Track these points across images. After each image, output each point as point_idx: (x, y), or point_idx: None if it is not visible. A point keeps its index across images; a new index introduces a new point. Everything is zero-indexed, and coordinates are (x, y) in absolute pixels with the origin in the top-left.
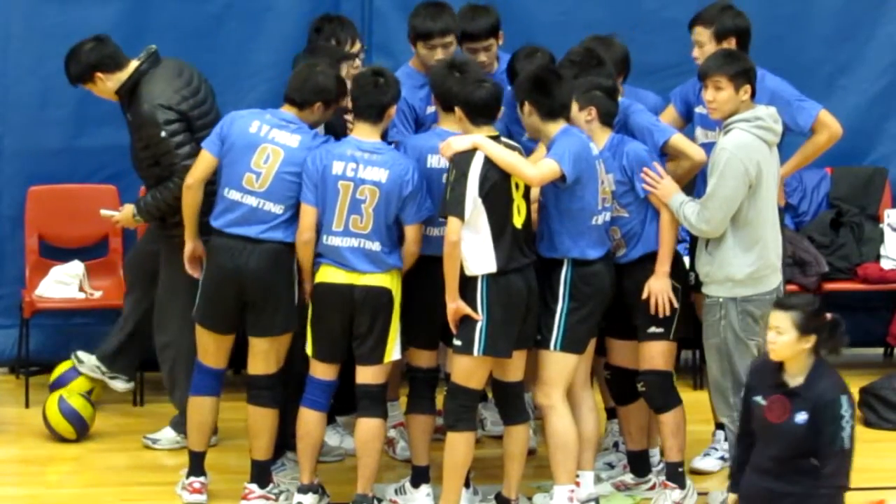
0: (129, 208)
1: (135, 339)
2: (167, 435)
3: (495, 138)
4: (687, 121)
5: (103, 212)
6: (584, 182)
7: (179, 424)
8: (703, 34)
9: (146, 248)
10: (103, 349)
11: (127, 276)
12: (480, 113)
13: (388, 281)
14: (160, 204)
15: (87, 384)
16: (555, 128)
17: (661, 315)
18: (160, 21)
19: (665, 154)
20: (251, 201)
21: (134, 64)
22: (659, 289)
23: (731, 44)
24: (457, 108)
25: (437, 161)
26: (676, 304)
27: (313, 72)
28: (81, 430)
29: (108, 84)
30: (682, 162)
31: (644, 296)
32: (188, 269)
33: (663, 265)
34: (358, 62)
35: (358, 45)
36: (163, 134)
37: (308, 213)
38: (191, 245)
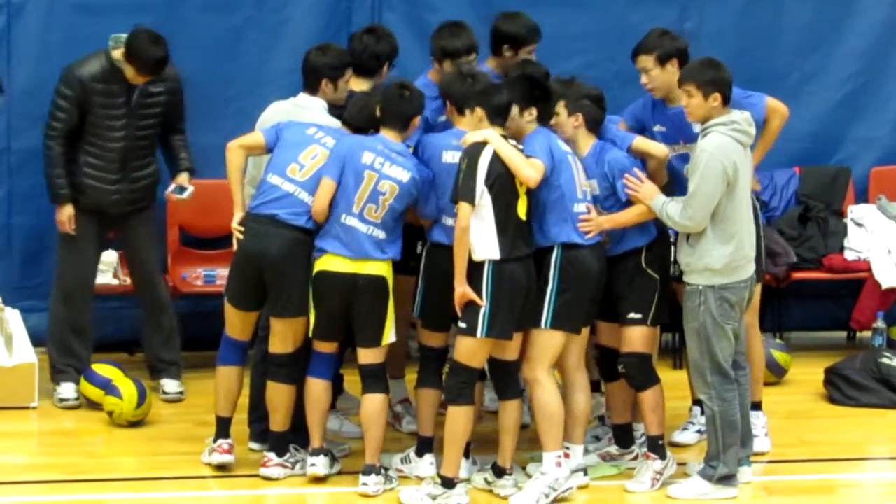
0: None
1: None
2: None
3: (504, 138)
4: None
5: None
6: (558, 172)
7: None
8: (647, 61)
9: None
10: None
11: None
12: (499, 114)
13: (386, 270)
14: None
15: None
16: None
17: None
18: (187, 31)
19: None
20: (289, 188)
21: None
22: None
23: (674, 65)
24: (477, 108)
25: (451, 157)
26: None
27: (369, 101)
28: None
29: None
30: (650, 162)
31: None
32: (234, 240)
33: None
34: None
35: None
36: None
37: (326, 186)
38: (238, 214)
